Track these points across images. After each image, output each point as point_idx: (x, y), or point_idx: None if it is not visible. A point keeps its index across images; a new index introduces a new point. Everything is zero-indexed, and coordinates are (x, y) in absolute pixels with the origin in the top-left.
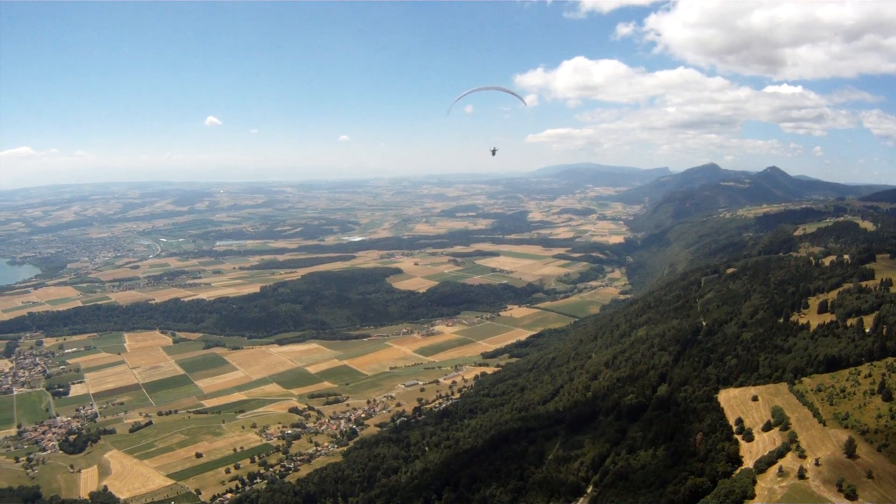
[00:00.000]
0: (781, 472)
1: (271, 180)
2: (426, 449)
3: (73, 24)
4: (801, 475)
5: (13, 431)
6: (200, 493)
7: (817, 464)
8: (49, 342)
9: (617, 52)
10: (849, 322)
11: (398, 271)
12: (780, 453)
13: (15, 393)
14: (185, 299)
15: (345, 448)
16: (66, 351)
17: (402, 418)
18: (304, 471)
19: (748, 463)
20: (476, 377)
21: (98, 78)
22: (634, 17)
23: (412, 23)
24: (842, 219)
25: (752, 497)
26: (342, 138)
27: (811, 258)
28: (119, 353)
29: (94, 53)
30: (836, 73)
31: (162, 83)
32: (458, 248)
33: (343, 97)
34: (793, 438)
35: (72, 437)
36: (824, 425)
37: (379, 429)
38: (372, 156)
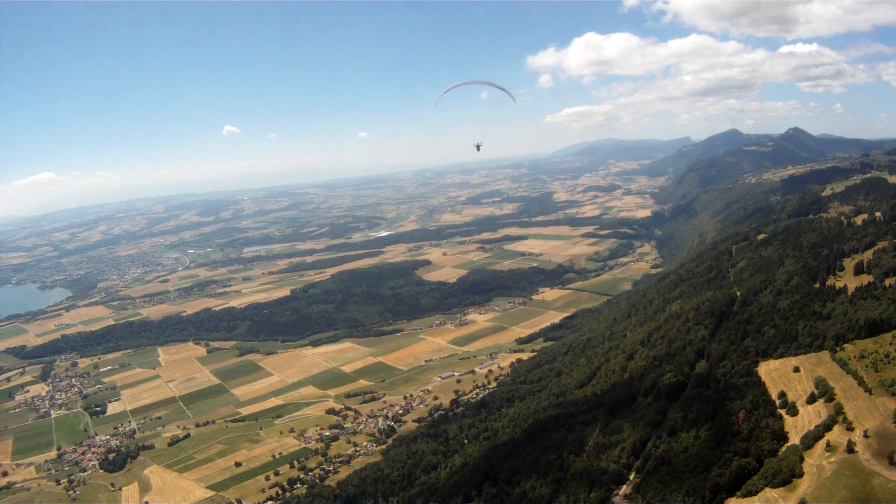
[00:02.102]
0: (829, 447)
1: (294, 183)
2: (465, 442)
3: (83, 47)
4: (850, 449)
5: (53, 454)
6: (241, 503)
7: (866, 436)
8: (84, 363)
9: (627, 25)
10: (887, 282)
11: (427, 263)
12: (827, 426)
13: (53, 416)
14: (217, 308)
15: (383, 446)
16: (102, 370)
17: (440, 412)
18: (344, 472)
19: (794, 439)
20: (512, 364)
21: (113, 97)
22: None
23: (420, 14)
24: (869, 175)
25: (801, 475)
26: (361, 135)
27: (842, 218)
28: (154, 368)
29: (106, 74)
30: (850, 27)
31: (176, 97)
32: (485, 235)
33: (358, 94)
34: (839, 410)
35: (111, 456)
36: (870, 394)
37: (417, 424)
38: (393, 150)
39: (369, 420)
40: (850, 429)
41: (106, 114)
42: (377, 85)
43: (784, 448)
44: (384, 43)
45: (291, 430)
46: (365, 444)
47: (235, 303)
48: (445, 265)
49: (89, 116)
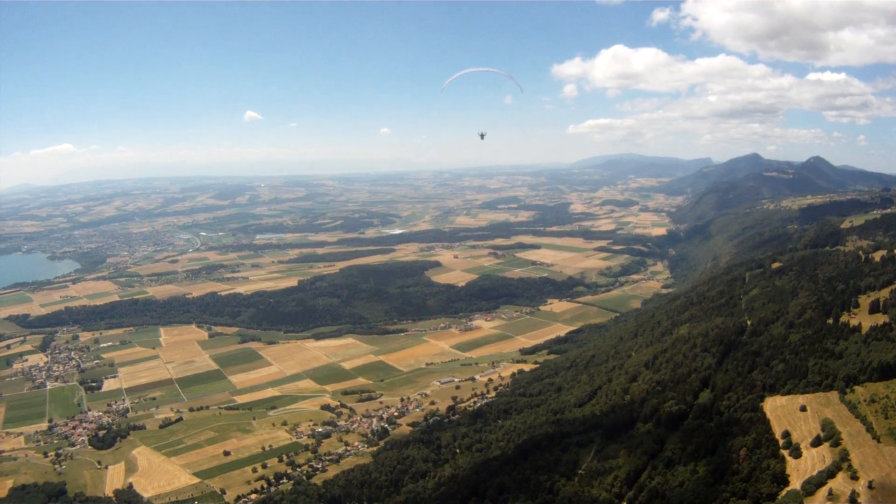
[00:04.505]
0: (831, 496)
1: (312, 173)
2: (457, 452)
3: (112, 21)
4: (853, 500)
5: (44, 426)
6: (225, 493)
7: (871, 487)
8: (85, 336)
9: (655, 40)
10: None
11: (437, 264)
12: (831, 473)
13: (48, 387)
14: (223, 293)
15: (375, 448)
16: (102, 345)
17: (435, 418)
18: (332, 471)
19: (795, 483)
20: (513, 375)
21: (139, 74)
22: (670, 2)
23: (448, 14)
24: (889, 210)
25: None
26: (383, 131)
27: (860, 253)
28: (154, 348)
29: (134, 50)
30: (881, 59)
31: (201, 78)
32: (498, 241)
33: (383, 90)
34: (844, 456)
35: (101, 433)
36: (878, 442)
37: (411, 428)
38: (413, 148)
39: (363, 420)
40: (854, 477)
41: (130, 90)
42: (402, 82)
43: (784, 492)
44: (411, 40)
45: (284, 423)
46: (356, 443)
47: (242, 289)
48: (455, 268)
49: (113, 91)
